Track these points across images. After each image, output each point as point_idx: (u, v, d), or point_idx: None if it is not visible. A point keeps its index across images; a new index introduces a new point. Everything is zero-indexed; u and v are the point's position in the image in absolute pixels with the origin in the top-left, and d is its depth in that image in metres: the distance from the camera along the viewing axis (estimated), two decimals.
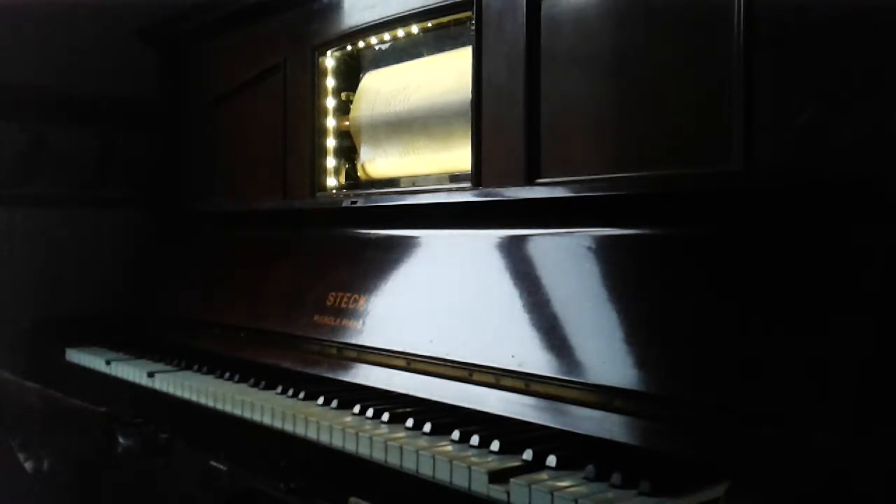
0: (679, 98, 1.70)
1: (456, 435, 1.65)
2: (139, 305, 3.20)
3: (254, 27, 2.93)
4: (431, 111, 2.30)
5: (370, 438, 1.69)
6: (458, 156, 2.19)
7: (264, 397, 2.09)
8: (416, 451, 1.58)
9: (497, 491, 1.41)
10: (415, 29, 2.38)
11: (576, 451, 1.49)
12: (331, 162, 2.65)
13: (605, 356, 1.58)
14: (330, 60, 2.64)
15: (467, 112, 2.10)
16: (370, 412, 1.85)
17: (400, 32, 2.42)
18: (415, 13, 2.29)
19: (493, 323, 1.82)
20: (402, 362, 1.99)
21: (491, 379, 1.77)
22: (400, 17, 2.34)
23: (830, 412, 1.27)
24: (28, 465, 1.77)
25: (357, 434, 1.72)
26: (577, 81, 1.87)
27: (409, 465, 1.60)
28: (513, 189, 1.95)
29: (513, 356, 1.73)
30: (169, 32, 3.35)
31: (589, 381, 1.59)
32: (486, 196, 2.02)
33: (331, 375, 2.16)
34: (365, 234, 2.35)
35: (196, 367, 2.50)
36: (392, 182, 2.51)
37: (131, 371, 2.56)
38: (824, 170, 1.47)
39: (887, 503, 1.20)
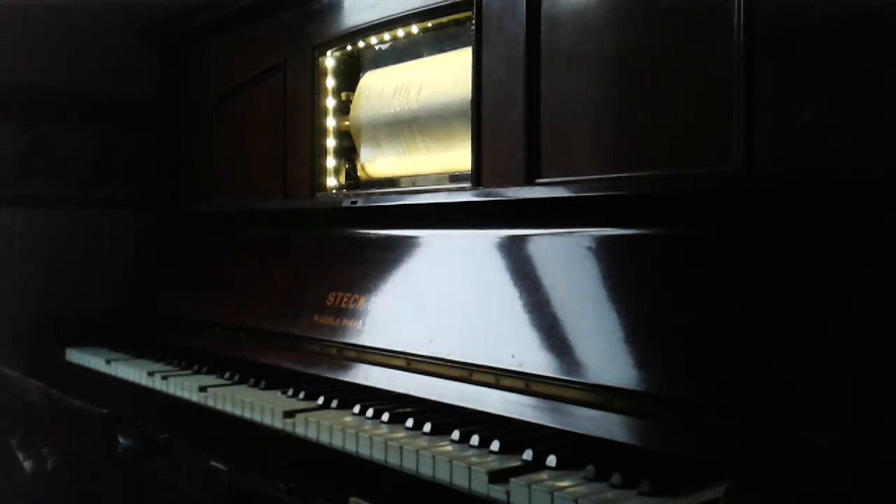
0: (679, 98, 1.70)
1: (456, 435, 1.65)
2: (139, 305, 3.20)
3: (254, 27, 2.92)
4: (431, 111, 2.30)
5: (370, 438, 1.69)
6: (458, 156, 2.19)
7: (264, 397, 2.10)
8: (416, 451, 1.58)
9: (497, 491, 1.41)
10: (415, 29, 2.38)
11: (576, 451, 1.49)
12: (331, 162, 2.65)
13: (605, 356, 1.58)
14: (330, 60, 2.64)
15: (467, 112, 2.10)
16: (370, 412, 1.85)
17: (400, 32, 2.42)
18: (415, 13, 2.29)
19: (493, 323, 1.82)
20: (402, 362, 1.99)
21: (491, 379, 1.77)
22: (400, 17, 2.34)
23: (830, 412, 1.27)
24: (27, 465, 1.76)
25: (357, 434, 1.72)
26: (577, 81, 1.87)
27: (409, 465, 1.60)
28: (513, 189, 1.95)
29: (513, 356, 1.73)
30: (169, 32, 3.35)
31: (589, 381, 1.59)
32: (486, 196, 2.02)
33: (331, 375, 2.16)
34: (365, 234, 2.35)
35: (196, 367, 2.50)
36: (392, 182, 2.51)
37: (131, 371, 2.57)
38: (824, 170, 1.47)
39: (887, 503, 1.20)
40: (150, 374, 2.45)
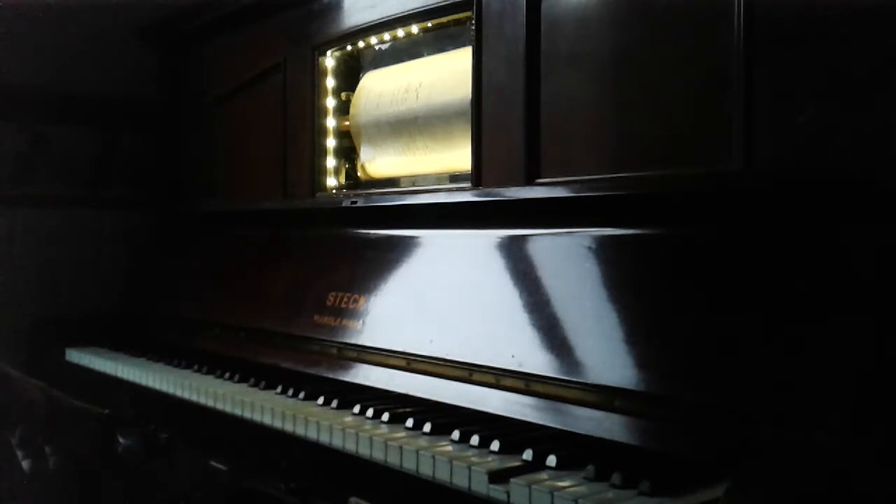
0: (679, 98, 1.70)
1: (456, 435, 1.65)
2: (139, 305, 3.20)
3: (254, 27, 2.92)
4: (431, 111, 2.30)
5: (370, 438, 1.69)
6: (458, 156, 2.19)
7: (264, 397, 2.09)
8: (416, 451, 1.58)
9: (497, 491, 1.41)
10: (415, 29, 2.38)
11: (576, 451, 1.49)
12: (331, 162, 2.65)
13: (605, 356, 1.58)
14: (330, 60, 2.64)
15: (467, 112, 2.10)
16: (370, 412, 1.85)
17: (400, 32, 2.42)
18: (415, 13, 2.29)
19: (493, 323, 1.82)
20: (402, 362, 1.99)
21: (491, 379, 1.77)
22: (400, 17, 2.34)
23: (830, 412, 1.27)
24: (26, 464, 1.76)
25: (357, 434, 1.72)
26: (576, 81, 1.87)
27: (409, 465, 1.59)
28: (513, 189, 1.95)
29: (513, 356, 1.73)
30: (169, 32, 3.35)
31: (589, 381, 1.59)
32: (486, 196, 2.02)
33: (331, 375, 2.16)
34: (365, 234, 2.35)
35: (196, 367, 2.50)
36: (392, 182, 2.51)
37: (131, 371, 2.56)
38: (824, 169, 1.46)
39: (887, 503, 1.20)
40: (151, 373, 2.45)
